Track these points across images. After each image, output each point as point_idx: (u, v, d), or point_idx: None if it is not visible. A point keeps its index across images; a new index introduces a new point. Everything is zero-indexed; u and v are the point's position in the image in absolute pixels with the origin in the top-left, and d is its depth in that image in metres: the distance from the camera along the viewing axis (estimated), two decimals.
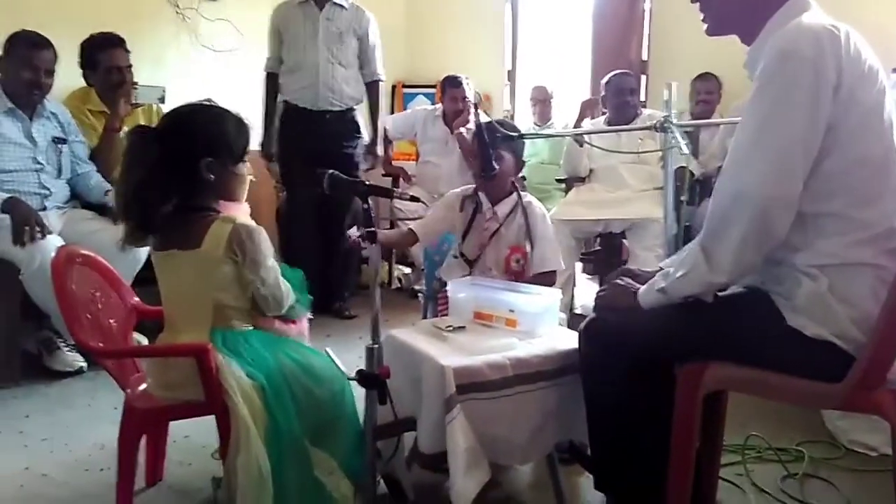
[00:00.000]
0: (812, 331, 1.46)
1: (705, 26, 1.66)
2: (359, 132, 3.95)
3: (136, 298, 2.05)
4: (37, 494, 2.00)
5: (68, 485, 2.05)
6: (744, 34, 1.62)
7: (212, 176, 1.76)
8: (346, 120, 3.88)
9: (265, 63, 3.90)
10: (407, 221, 4.44)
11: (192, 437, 2.27)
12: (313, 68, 3.75)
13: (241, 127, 1.83)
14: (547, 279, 2.27)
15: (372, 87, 3.96)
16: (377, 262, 1.74)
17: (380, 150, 4.09)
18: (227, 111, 1.84)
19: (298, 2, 3.79)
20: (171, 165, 1.72)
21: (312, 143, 3.71)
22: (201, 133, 1.77)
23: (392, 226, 4.61)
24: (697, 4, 1.64)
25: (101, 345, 1.82)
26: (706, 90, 4.16)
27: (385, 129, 4.71)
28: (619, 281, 1.74)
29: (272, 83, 3.88)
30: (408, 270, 4.83)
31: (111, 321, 1.92)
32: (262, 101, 3.88)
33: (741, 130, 1.51)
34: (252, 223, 1.78)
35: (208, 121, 1.80)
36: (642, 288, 1.65)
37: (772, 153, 1.44)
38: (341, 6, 3.80)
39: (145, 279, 3.10)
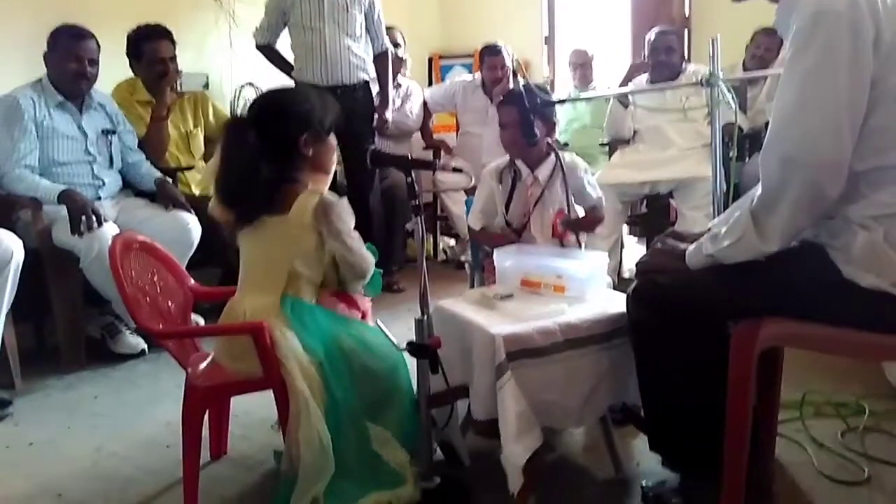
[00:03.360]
0: (868, 282, 1.43)
1: None
2: (373, 107, 3.95)
3: (192, 281, 2.10)
4: (108, 472, 2.09)
5: (137, 462, 2.13)
6: None
7: (311, 150, 1.84)
8: (357, 95, 3.84)
9: (256, 36, 3.88)
10: (450, 192, 4.46)
11: (253, 411, 2.33)
12: (322, 42, 3.72)
13: (324, 98, 1.89)
14: (594, 214, 2.36)
15: (381, 58, 3.96)
16: (423, 235, 1.75)
17: (388, 116, 4.07)
18: (306, 88, 1.89)
19: None
20: (272, 149, 1.78)
21: None
22: (294, 112, 1.83)
23: (435, 198, 4.62)
24: None
25: (160, 327, 1.88)
26: (766, 45, 3.95)
27: (424, 101, 4.70)
28: (661, 245, 1.72)
29: (272, 53, 3.91)
30: (453, 242, 4.85)
31: (169, 304, 1.98)
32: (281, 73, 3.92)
33: (782, 94, 1.47)
34: (335, 196, 1.83)
35: (297, 99, 1.87)
36: (690, 248, 1.63)
37: (817, 116, 1.40)
38: None
39: (198, 262, 3.21)
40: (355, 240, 1.85)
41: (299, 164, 1.85)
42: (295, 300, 1.82)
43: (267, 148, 1.78)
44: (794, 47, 1.44)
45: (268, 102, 1.91)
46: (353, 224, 1.85)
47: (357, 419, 1.77)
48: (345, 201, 1.84)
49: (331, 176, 1.96)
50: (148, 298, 1.91)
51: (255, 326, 1.75)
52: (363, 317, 1.97)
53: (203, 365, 1.91)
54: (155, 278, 1.98)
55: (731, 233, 1.53)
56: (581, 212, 2.38)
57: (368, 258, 1.89)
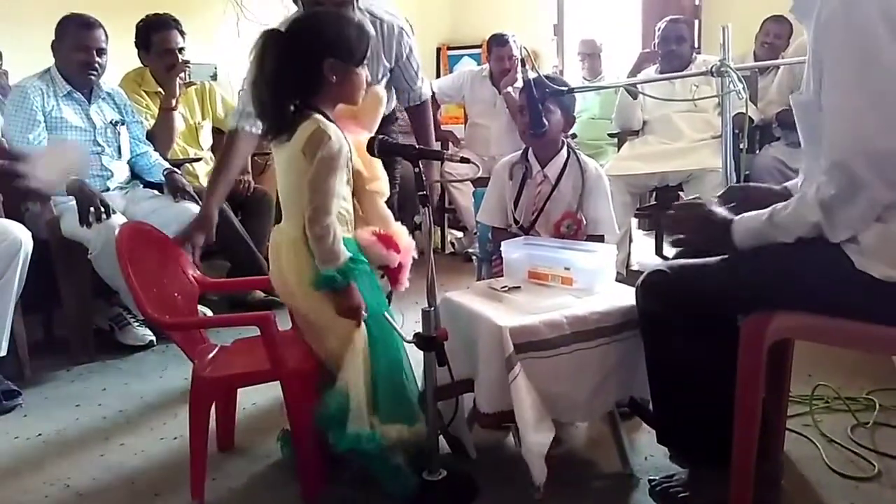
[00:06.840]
0: (881, 273, 1.41)
1: None
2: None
3: (198, 272, 2.10)
4: (117, 463, 2.09)
5: (145, 453, 2.14)
6: None
7: (334, 77, 1.78)
8: None
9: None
10: (457, 185, 4.44)
11: (260, 404, 2.34)
12: None
13: (361, 31, 1.84)
14: (594, 238, 2.24)
15: (422, 109, 2.92)
16: (430, 226, 1.74)
17: (435, 175, 3.35)
18: (349, 15, 1.87)
19: None
20: (297, 62, 1.76)
21: None
22: (326, 33, 1.79)
23: (443, 189, 4.61)
24: None
25: (167, 318, 1.88)
26: (776, 33, 3.94)
27: (433, 92, 4.68)
28: (699, 205, 1.69)
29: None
30: (460, 234, 4.84)
31: (176, 295, 1.98)
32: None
33: (833, 90, 1.43)
34: (335, 140, 1.73)
35: (332, 22, 1.83)
36: (744, 216, 1.56)
37: (880, 104, 1.37)
38: None
39: (207, 253, 3.19)
40: (323, 195, 1.72)
41: (321, 89, 1.79)
42: None
43: (292, 64, 1.75)
44: (835, 39, 1.41)
45: (304, 19, 1.92)
46: (335, 174, 1.73)
47: (392, 350, 1.81)
48: (336, 147, 1.73)
49: (361, 133, 1.87)
50: (155, 289, 1.91)
51: (262, 318, 1.75)
52: (400, 268, 1.92)
53: (210, 356, 1.91)
54: (161, 269, 1.98)
55: (791, 219, 1.48)
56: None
57: (321, 231, 1.71)
